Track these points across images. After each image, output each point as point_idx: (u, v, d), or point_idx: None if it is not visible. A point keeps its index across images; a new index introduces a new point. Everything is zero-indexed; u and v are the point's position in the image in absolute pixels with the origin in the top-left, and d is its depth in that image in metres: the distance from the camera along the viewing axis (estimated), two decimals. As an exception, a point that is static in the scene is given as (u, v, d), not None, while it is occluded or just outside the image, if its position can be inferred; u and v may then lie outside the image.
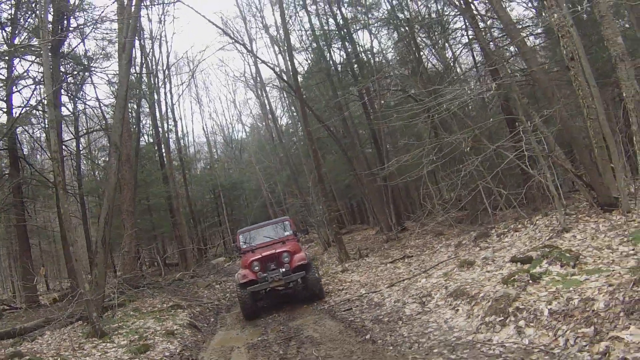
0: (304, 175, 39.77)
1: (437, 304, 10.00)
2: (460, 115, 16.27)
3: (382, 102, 28.04)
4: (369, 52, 30.75)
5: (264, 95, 48.67)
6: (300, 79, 29.06)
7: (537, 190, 15.27)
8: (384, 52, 31.09)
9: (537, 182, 13.93)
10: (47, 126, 25.44)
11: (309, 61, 35.43)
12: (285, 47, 30.12)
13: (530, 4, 23.31)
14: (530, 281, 8.37)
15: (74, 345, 11.87)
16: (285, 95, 42.80)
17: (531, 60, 11.74)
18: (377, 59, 30.49)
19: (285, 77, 32.87)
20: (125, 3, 19.60)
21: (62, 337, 13.38)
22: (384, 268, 16.75)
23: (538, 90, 15.49)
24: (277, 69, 39.37)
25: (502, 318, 7.60)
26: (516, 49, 16.08)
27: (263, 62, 36.52)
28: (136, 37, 24.88)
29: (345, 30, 29.82)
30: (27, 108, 23.71)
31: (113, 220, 17.28)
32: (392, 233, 24.16)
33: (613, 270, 7.58)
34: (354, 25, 30.59)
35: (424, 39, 24.93)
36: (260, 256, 15.01)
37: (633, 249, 8.51)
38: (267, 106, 48.76)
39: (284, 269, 14.58)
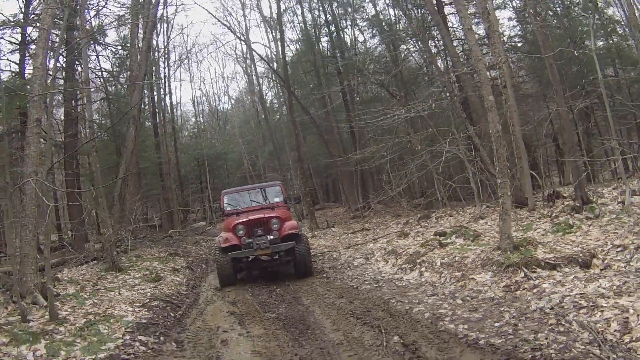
0: (285, 152, 42.31)
1: (376, 259, 14.15)
2: (424, 116, 19.31)
3: (358, 98, 30.90)
4: (353, 49, 33.36)
5: (253, 72, 50.50)
6: (288, 60, 32.09)
7: (474, 186, 18.69)
8: (368, 48, 33.28)
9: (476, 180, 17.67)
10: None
11: (299, 48, 38.04)
12: (279, 37, 33.25)
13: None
14: (438, 246, 12.40)
15: (97, 276, 14.80)
16: (273, 76, 44.61)
17: (467, 86, 15.25)
18: (360, 52, 32.63)
19: (275, 65, 36.13)
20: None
21: (80, 272, 15.82)
22: (345, 236, 20.63)
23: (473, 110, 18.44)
24: (268, 51, 42.54)
25: (412, 266, 11.72)
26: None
27: (259, 55, 39.60)
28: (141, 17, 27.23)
29: (334, 25, 33.10)
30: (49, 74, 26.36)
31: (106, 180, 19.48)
32: (358, 211, 27.67)
33: (495, 244, 11.32)
34: (342, 22, 33.83)
35: (406, 37, 27.90)
36: (246, 219, 13.76)
37: (522, 235, 12.20)
38: (255, 83, 50.89)
39: (271, 236, 13.27)
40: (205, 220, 41.42)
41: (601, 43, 22.02)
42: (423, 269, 11.41)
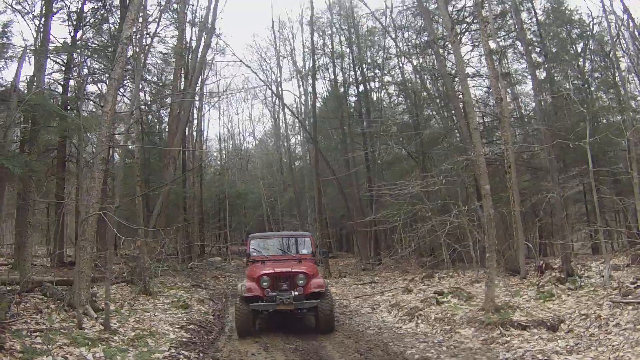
0: (305, 200, 44.00)
1: (381, 309, 16.07)
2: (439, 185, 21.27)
3: (379, 161, 32.81)
4: (378, 111, 35.02)
5: (281, 119, 52.46)
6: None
7: (474, 253, 20.50)
8: (393, 112, 35.21)
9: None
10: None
11: (327, 103, 40.33)
12: (310, 91, 35.61)
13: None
14: (435, 303, 14.37)
15: (130, 297, 16.52)
16: (299, 125, 46.31)
17: (475, 167, 17.13)
18: (385, 114, 34.09)
19: (302, 115, 38.27)
20: (190, 43, 24.94)
21: (111, 291, 17.48)
22: (355, 287, 22.48)
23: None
24: (297, 101, 44.83)
25: (410, 318, 13.72)
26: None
27: (291, 111, 41.86)
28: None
29: (362, 85, 35.36)
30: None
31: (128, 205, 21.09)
32: (370, 264, 29.42)
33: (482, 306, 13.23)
34: (371, 84, 36.14)
35: (429, 104, 30.04)
36: (272, 271, 13.29)
37: (509, 299, 14.08)
38: (283, 133, 52.52)
39: (296, 292, 12.81)
40: (220, 256, 42.59)
41: (618, 118, 23.63)
42: (419, 321, 13.41)
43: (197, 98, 39.58)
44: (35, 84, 16.11)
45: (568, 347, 9.30)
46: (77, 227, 31.66)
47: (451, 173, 19.34)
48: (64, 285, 14.78)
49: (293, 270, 13.35)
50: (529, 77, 24.41)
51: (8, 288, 12.98)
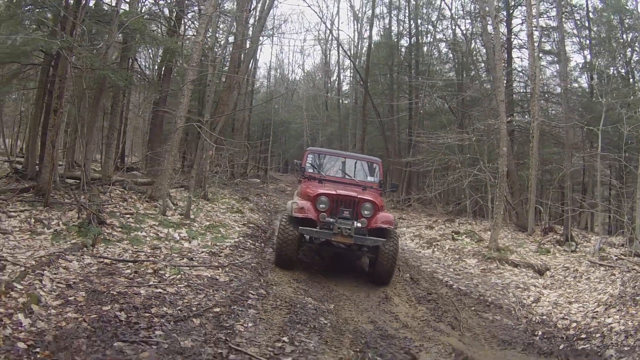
0: (346, 136, 45.83)
1: (405, 238, 19.02)
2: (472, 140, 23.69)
3: (422, 112, 34.68)
4: (427, 66, 36.85)
5: (332, 57, 54.53)
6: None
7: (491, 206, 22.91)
8: (441, 69, 36.98)
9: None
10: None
11: (379, 49, 41.72)
12: (366, 36, 37.50)
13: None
14: (451, 239, 17.30)
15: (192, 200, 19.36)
16: (349, 62, 47.98)
17: (499, 131, 19.58)
18: (433, 69, 36.19)
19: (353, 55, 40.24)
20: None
21: (171, 193, 19.14)
22: (384, 221, 25.26)
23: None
24: (350, 42, 46.52)
25: (429, 246, 16.74)
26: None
27: (345, 52, 43.76)
28: None
29: (415, 38, 37.35)
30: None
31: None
32: (399, 203, 31.87)
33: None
34: (423, 38, 38.05)
35: (471, 67, 32.19)
36: (334, 192, 11.07)
37: (510, 245, 16.79)
38: (334, 71, 53.90)
39: (359, 224, 10.68)
40: (259, 179, 44.85)
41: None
42: (435, 249, 16.42)
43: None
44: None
45: (545, 284, 12.15)
46: (133, 138, 34.61)
47: (483, 133, 21.78)
48: (140, 186, 17.32)
49: (359, 197, 11.03)
50: (573, 56, 26.23)
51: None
